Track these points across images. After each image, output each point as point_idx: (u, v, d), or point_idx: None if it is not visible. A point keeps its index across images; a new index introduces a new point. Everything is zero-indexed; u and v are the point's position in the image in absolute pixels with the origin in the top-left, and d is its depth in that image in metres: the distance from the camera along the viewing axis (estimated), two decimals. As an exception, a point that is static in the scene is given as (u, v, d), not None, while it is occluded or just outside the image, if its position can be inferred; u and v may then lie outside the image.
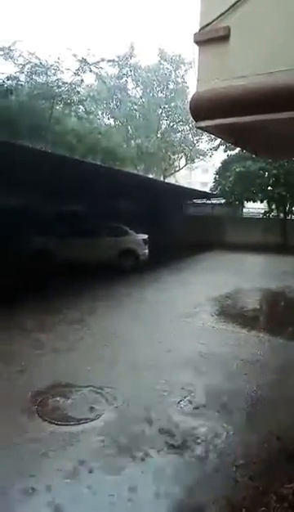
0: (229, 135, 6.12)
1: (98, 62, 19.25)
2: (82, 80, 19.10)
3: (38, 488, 2.84)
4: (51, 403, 3.98)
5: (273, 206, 23.50)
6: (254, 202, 24.01)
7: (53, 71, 17.92)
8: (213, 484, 2.97)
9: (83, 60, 18.33)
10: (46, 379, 4.54)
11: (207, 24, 4.33)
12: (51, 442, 3.36)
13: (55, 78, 17.97)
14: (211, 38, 4.35)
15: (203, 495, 2.84)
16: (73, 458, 3.16)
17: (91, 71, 19.27)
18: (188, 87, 32.63)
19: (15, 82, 16.81)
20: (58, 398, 4.08)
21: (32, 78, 17.71)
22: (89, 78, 23.52)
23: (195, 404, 4.10)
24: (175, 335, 6.56)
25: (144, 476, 3.03)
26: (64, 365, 5.07)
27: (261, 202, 23.86)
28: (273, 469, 3.10)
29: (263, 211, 24.52)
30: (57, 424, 3.61)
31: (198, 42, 4.48)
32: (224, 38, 4.26)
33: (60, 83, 17.97)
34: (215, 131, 5.78)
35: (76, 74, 18.36)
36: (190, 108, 4.56)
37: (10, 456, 3.16)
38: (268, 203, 23.54)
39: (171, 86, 33.00)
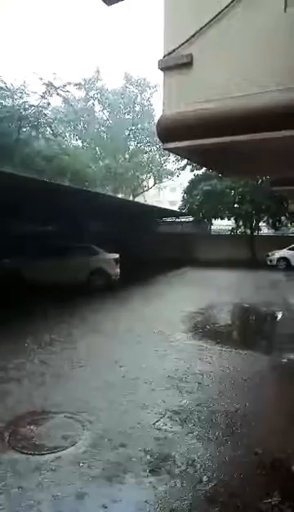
0: (195, 156, 6.32)
1: (64, 85, 19.60)
2: (49, 103, 19.31)
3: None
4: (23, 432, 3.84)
5: (241, 223, 24.17)
6: (222, 219, 24.63)
7: (19, 94, 18.03)
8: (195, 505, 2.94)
9: (49, 84, 18.56)
10: (13, 408, 4.40)
11: (171, 52, 4.52)
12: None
13: (21, 101, 18.06)
14: (175, 64, 4.54)
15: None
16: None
17: (57, 94, 19.54)
18: (154, 110, 33.51)
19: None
20: (31, 427, 3.93)
21: (-3, 102, 17.73)
22: (56, 101, 23.78)
23: (172, 424, 4.07)
24: (148, 353, 6.53)
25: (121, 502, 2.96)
26: (32, 391, 4.91)
27: (229, 219, 24.51)
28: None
29: (230, 228, 25.13)
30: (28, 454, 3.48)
31: (162, 69, 4.66)
32: (188, 64, 4.45)
33: (27, 106, 18.08)
34: (181, 152, 5.97)
35: (42, 97, 18.55)
36: (157, 130, 4.71)
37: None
38: (235, 220, 24.22)
39: (137, 108, 33.77)
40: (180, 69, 4.51)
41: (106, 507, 2.86)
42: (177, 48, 4.44)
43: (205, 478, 3.18)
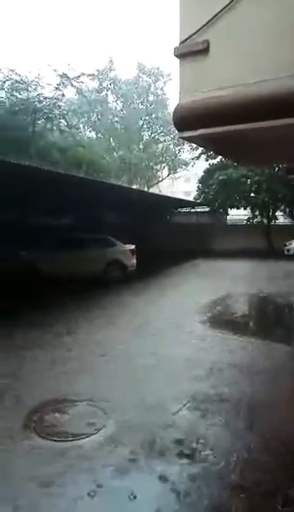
0: (211, 144, 6.25)
1: (78, 77, 19.54)
2: (63, 95, 19.35)
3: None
4: (48, 419, 3.94)
5: (257, 212, 23.89)
6: (237, 209, 24.37)
7: (34, 87, 18.09)
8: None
9: (64, 75, 18.56)
10: (40, 395, 4.50)
11: (187, 38, 4.46)
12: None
13: (36, 93, 18.13)
14: (191, 51, 4.48)
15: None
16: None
17: (71, 85, 19.54)
18: (168, 99, 33.21)
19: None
20: (56, 414, 4.03)
21: (12, 95, 17.81)
22: (70, 93, 23.80)
23: (194, 411, 4.11)
24: (167, 344, 6.57)
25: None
26: (57, 380, 5.01)
27: (245, 209, 24.24)
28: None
29: (246, 217, 24.88)
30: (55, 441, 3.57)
31: (178, 56, 4.61)
32: (204, 51, 4.39)
33: (41, 98, 18.14)
34: (198, 141, 5.90)
35: (57, 88, 18.58)
36: (173, 119, 4.67)
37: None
38: (251, 209, 23.95)
39: (150, 98, 33.50)
40: (196, 56, 4.45)
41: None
42: (193, 35, 4.38)
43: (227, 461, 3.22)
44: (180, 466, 3.19)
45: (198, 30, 4.35)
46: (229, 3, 4.15)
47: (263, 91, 3.93)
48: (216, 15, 4.21)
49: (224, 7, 4.17)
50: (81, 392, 4.57)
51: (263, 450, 3.43)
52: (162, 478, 3.05)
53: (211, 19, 4.24)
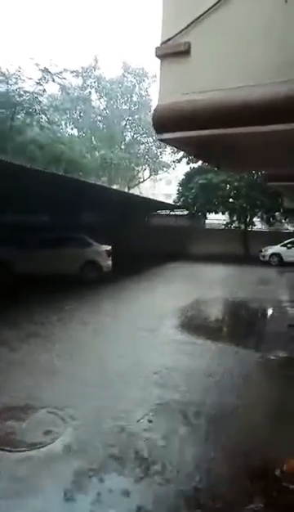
0: (190, 148, 6.20)
1: (61, 72, 19.19)
2: (45, 90, 18.94)
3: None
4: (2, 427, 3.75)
5: (235, 218, 24.11)
6: (216, 213, 24.52)
7: (14, 80, 17.66)
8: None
9: (45, 70, 18.20)
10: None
11: (169, 39, 4.38)
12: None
13: (16, 86, 17.71)
14: (173, 52, 4.40)
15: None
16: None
17: (53, 81, 19.16)
18: (151, 100, 33.11)
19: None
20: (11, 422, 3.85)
21: (-9, 87, 17.37)
22: (52, 88, 23.40)
23: (156, 422, 4.01)
24: (137, 349, 6.47)
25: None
26: (18, 384, 4.83)
27: (223, 213, 24.42)
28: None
29: (224, 222, 25.07)
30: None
31: (159, 56, 4.52)
32: (185, 52, 4.32)
33: (22, 92, 17.72)
34: (176, 143, 5.85)
35: (38, 83, 18.18)
36: (152, 120, 4.59)
37: None
38: (229, 214, 24.14)
39: (134, 98, 33.36)
40: (177, 57, 4.37)
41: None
42: (175, 36, 4.30)
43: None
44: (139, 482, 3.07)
45: (180, 32, 4.28)
46: (212, 6, 4.09)
47: (241, 97, 3.89)
48: (198, 17, 4.15)
49: (207, 10, 4.11)
50: (41, 397, 4.40)
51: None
52: (125, 493, 2.93)
53: (193, 21, 4.17)
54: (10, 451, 3.38)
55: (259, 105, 3.81)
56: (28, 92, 17.90)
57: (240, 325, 9.29)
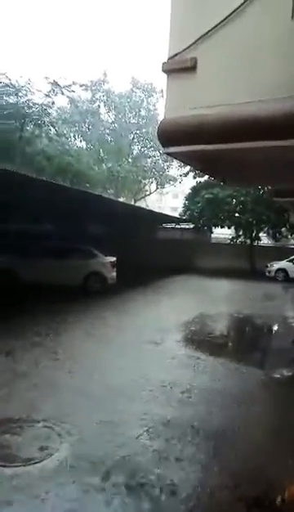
0: (196, 162, 6.21)
1: (70, 85, 19.51)
2: (53, 102, 19.26)
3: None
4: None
5: (240, 232, 24.05)
6: (222, 228, 24.48)
7: (24, 92, 17.95)
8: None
9: (55, 83, 18.50)
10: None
11: (176, 55, 4.41)
12: None
13: (25, 98, 17.99)
14: (179, 68, 4.43)
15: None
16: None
17: (62, 94, 19.49)
18: (159, 115, 33.43)
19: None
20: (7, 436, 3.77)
21: (1, 98, 17.63)
22: (62, 101, 23.76)
23: (155, 439, 3.91)
24: (140, 362, 6.38)
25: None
26: (15, 396, 4.75)
27: (229, 228, 24.38)
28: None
29: (230, 237, 25.01)
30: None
31: (166, 71, 4.56)
32: (192, 68, 4.35)
33: (31, 104, 18.00)
34: (182, 157, 5.86)
35: (47, 95, 18.48)
36: (158, 134, 4.60)
37: None
38: (235, 229, 24.08)
39: (142, 113, 33.74)
40: (184, 72, 4.40)
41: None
42: (182, 52, 4.33)
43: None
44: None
45: (187, 48, 4.31)
46: (219, 23, 4.12)
47: (249, 112, 3.89)
48: (207, 33, 4.18)
49: (214, 27, 4.14)
50: (39, 410, 4.32)
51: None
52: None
53: (200, 37, 4.21)
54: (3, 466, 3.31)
55: (267, 120, 3.80)
56: (38, 104, 18.19)
57: (244, 340, 9.16)
